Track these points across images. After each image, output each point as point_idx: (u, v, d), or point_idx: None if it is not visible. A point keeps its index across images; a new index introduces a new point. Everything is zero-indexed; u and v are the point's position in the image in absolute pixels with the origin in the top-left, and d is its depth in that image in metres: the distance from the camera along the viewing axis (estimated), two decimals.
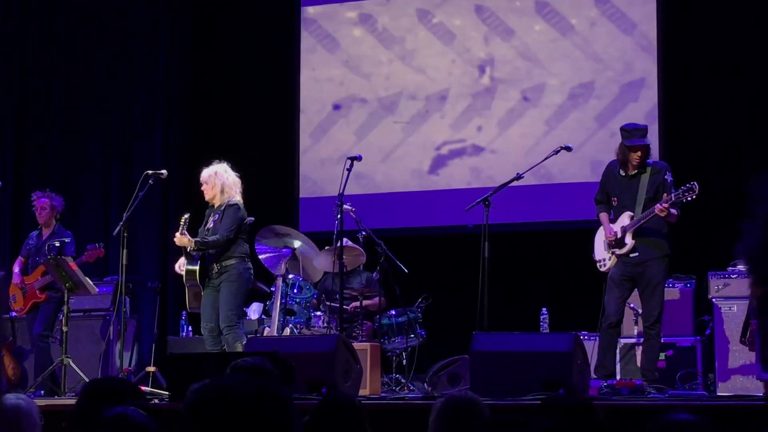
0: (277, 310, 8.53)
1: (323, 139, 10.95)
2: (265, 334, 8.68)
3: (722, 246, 8.61)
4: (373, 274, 9.29)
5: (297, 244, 8.87)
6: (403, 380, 8.52)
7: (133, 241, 9.92)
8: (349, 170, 8.13)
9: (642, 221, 7.46)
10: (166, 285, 10.92)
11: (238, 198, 8.11)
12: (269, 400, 2.14)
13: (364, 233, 9.08)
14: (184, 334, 10.15)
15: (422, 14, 10.73)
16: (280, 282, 8.62)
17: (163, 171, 8.66)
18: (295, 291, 8.81)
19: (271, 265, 8.75)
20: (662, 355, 8.08)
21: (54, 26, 11.73)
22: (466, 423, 3.80)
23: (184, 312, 10.27)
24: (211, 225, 8.09)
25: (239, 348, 7.60)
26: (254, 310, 9.58)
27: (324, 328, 8.74)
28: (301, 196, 10.94)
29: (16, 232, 11.23)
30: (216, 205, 8.14)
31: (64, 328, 8.53)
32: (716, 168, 9.26)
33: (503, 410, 5.76)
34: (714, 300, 8.23)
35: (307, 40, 11.09)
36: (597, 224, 7.82)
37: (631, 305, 8.23)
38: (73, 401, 4.30)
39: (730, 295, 8.17)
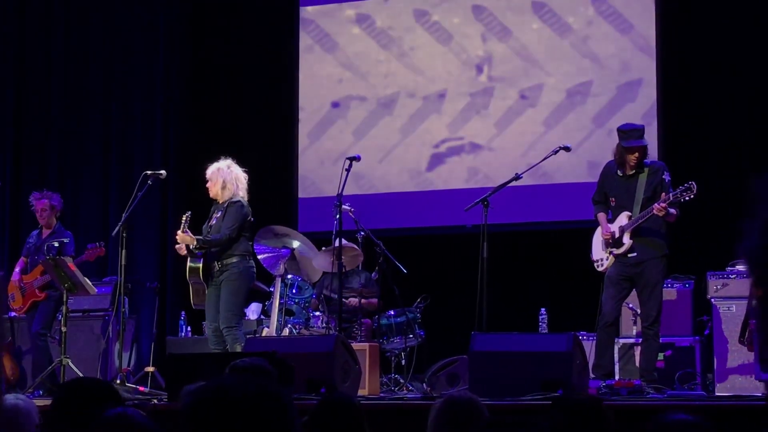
0: (276, 310, 8.53)
1: (322, 139, 10.95)
2: (263, 335, 8.67)
3: (721, 246, 8.62)
4: (372, 275, 9.29)
5: (296, 244, 8.87)
6: (402, 380, 8.52)
7: (132, 242, 9.93)
8: (347, 170, 8.13)
9: (640, 221, 7.46)
10: (165, 285, 10.93)
11: (242, 194, 8.06)
12: (268, 401, 2.14)
13: (362, 233, 9.08)
14: (182, 334, 10.15)
15: (420, 14, 10.73)
16: (278, 282, 8.62)
17: (162, 171, 8.66)
18: (294, 291, 8.81)
19: (269, 265, 8.75)
20: (661, 355, 8.09)
21: (53, 26, 11.73)
22: (464, 423, 3.80)
23: (183, 312, 10.28)
24: (214, 222, 8.08)
25: (238, 349, 7.59)
26: (253, 311, 9.58)
27: (323, 328, 8.74)
28: (299, 196, 10.94)
29: (15, 231, 11.23)
30: (220, 202, 8.10)
31: (63, 329, 8.52)
32: (715, 168, 9.26)
33: (502, 410, 5.77)
34: (713, 300, 8.24)
35: (305, 40, 11.09)
36: (595, 224, 7.83)
37: (630, 305, 8.24)
38: None
39: (729, 295, 8.17)
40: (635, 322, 8.38)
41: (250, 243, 8.15)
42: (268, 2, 11.40)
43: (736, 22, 9.56)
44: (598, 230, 7.78)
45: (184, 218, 7.90)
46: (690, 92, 9.74)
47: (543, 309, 9.00)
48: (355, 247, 8.98)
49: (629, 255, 7.54)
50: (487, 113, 10.45)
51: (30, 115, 11.72)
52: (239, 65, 11.28)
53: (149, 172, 8.52)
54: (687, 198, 7.31)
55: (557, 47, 10.25)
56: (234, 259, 7.95)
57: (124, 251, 8.35)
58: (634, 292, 7.74)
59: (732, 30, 9.56)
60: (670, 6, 9.92)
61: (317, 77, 11.03)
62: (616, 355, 8.21)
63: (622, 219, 7.59)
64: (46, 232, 9.29)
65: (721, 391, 7.92)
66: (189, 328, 10.17)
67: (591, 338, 8.24)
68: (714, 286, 8.25)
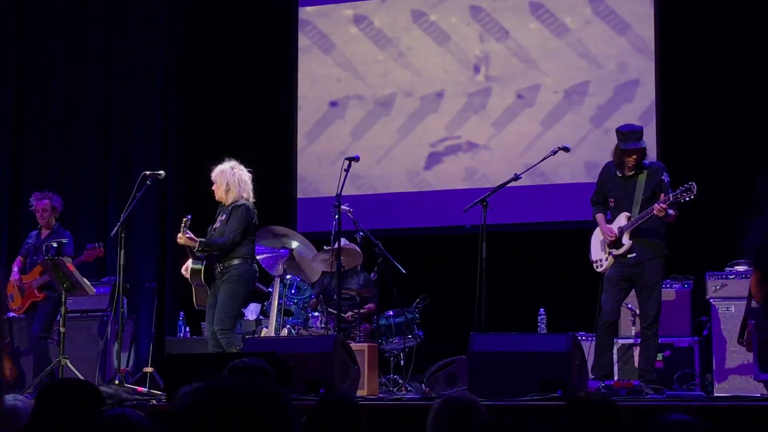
0: (275, 310, 8.53)
1: (320, 139, 10.95)
2: (262, 335, 8.67)
3: (720, 247, 8.64)
4: (371, 275, 9.29)
5: (294, 244, 8.87)
6: (400, 381, 8.52)
7: (130, 242, 9.92)
8: (346, 171, 8.12)
9: (639, 222, 7.46)
10: (164, 285, 10.93)
11: (246, 196, 8.00)
12: (268, 401, 2.14)
13: (361, 234, 9.08)
14: (181, 334, 10.15)
15: (417, 14, 10.74)
16: (277, 282, 8.62)
17: (161, 171, 8.65)
18: (293, 291, 8.81)
19: (268, 265, 8.75)
20: (660, 356, 8.09)
21: (53, 26, 11.72)
22: (463, 424, 3.79)
23: (181, 312, 10.28)
24: (218, 225, 8.04)
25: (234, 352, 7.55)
26: (252, 311, 9.58)
27: (322, 328, 8.74)
28: (298, 196, 10.94)
29: (14, 231, 11.22)
30: (225, 205, 8.06)
31: (62, 329, 8.52)
32: (714, 168, 9.26)
33: (501, 411, 5.77)
34: (712, 300, 8.24)
35: (303, 41, 11.09)
36: (594, 225, 7.83)
37: (629, 306, 8.24)
38: None
39: (728, 295, 8.18)
40: (634, 323, 8.38)
41: (253, 246, 8.09)
42: (268, 3, 11.40)
43: (735, 21, 9.57)
44: (597, 231, 7.78)
45: (184, 221, 7.86)
46: (689, 92, 9.75)
47: (542, 309, 9.01)
48: (354, 246, 8.98)
49: (629, 255, 7.54)
50: (484, 113, 10.45)
51: (29, 115, 11.71)
52: (238, 66, 11.28)
53: (148, 172, 8.51)
54: (687, 198, 7.31)
55: (554, 47, 10.25)
56: (235, 262, 7.91)
57: (122, 251, 8.34)
58: (633, 293, 7.74)
59: (731, 30, 9.57)
60: (669, 6, 9.92)
61: (315, 77, 11.03)
62: (615, 356, 8.21)
63: (621, 220, 7.59)
64: (45, 233, 9.29)
65: (720, 391, 7.92)
66: (188, 329, 10.16)
67: (590, 339, 8.24)
68: (713, 286, 8.26)
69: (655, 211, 7.33)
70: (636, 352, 8.12)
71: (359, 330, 8.83)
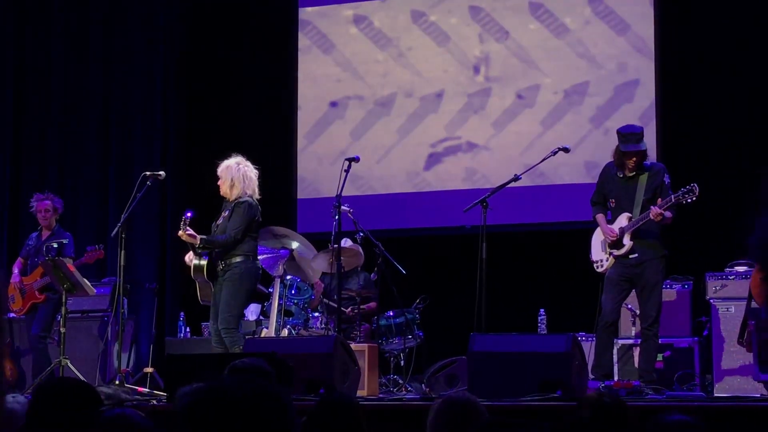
0: (275, 311, 8.52)
1: (320, 140, 10.96)
2: (262, 335, 8.67)
3: (720, 247, 8.64)
4: (371, 276, 9.30)
5: (295, 245, 8.87)
6: (401, 381, 8.52)
7: (131, 242, 9.92)
8: (346, 171, 8.12)
9: (640, 223, 7.46)
10: (164, 286, 10.93)
11: (250, 192, 7.95)
12: (268, 401, 2.15)
13: (361, 234, 9.08)
14: (181, 335, 10.15)
15: (417, 15, 10.74)
16: (277, 283, 8.62)
17: (161, 172, 8.65)
18: (293, 292, 8.80)
19: (268, 266, 8.74)
20: (660, 356, 8.09)
21: (52, 26, 11.73)
22: (463, 424, 3.80)
23: (182, 313, 10.28)
24: (221, 221, 8.02)
25: (237, 351, 7.55)
26: (252, 311, 9.58)
27: (322, 329, 8.74)
28: (298, 197, 10.94)
29: (14, 232, 11.23)
30: (229, 200, 8.01)
31: (62, 329, 8.52)
32: (714, 168, 9.25)
33: (501, 411, 5.77)
34: (711, 301, 8.24)
35: (303, 41, 11.09)
36: (594, 225, 7.83)
37: (629, 306, 8.24)
38: None
39: (728, 296, 8.18)
40: (634, 323, 8.38)
41: (256, 243, 8.06)
42: (268, 3, 11.40)
43: (735, 21, 9.57)
44: (597, 231, 7.78)
45: (183, 219, 7.84)
46: (689, 92, 9.75)
47: (542, 310, 9.01)
48: (359, 248, 8.98)
49: (630, 256, 7.54)
50: (484, 114, 10.45)
51: (29, 115, 11.72)
52: (238, 66, 11.28)
53: (148, 172, 8.51)
54: (689, 200, 7.31)
55: (554, 48, 10.26)
56: (237, 259, 7.88)
57: (123, 252, 8.33)
58: (633, 293, 7.74)
59: (731, 29, 9.57)
60: (668, 5, 9.92)
61: (315, 78, 11.03)
62: (615, 356, 8.21)
63: (622, 220, 7.59)
64: (45, 234, 9.30)
65: (720, 391, 7.92)
66: (188, 329, 10.17)
67: (590, 339, 8.24)
68: (713, 287, 8.26)
69: (651, 216, 7.33)
70: (636, 352, 8.12)
71: (359, 330, 8.83)
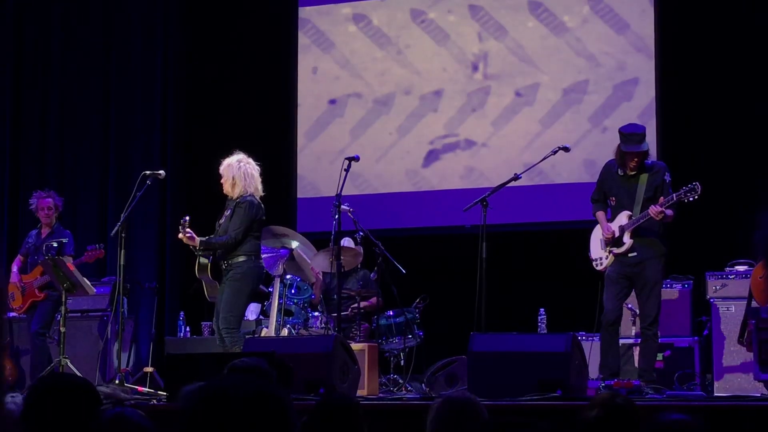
0: (275, 310, 8.52)
1: (319, 139, 10.95)
2: (262, 335, 8.67)
3: (720, 246, 8.64)
4: (371, 275, 9.29)
5: (294, 244, 8.86)
6: (400, 381, 8.52)
7: (130, 242, 9.92)
8: (346, 171, 8.11)
9: (640, 221, 7.45)
10: (164, 285, 10.92)
11: (252, 191, 7.90)
12: (268, 401, 2.14)
13: (361, 234, 9.08)
14: (181, 334, 10.14)
15: (416, 13, 10.74)
16: (277, 282, 8.61)
17: (161, 171, 8.64)
18: (293, 291, 8.80)
19: (268, 265, 8.73)
20: (660, 356, 8.08)
21: (51, 25, 11.73)
22: (463, 423, 3.80)
23: (181, 312, 10.28)
24: (223, 221, 7.99)
25: (237, 351, 7.53)
26: (252, 311, 9.57)
27: (322, 328, 8.74)
28: (298, 196, 10.94)
29: (13, 231, 11.22)
30: (232, 198, 7.95)
31: (62, 329, 8.52)
32: (714, 167, 9.23)
33: (501, 411, 5.76)
34: (712, 300, 8.24)
35: (302, 39, 11.09)
36: (593, 224, 7.82)
37: (629, 306, 8.23)
38: None
39: (728, 295, 8.18)
40: (634, 323, 8.37)
41: (258, 242, 8.02)
42: (267, 2, 11.40)
43: (735, 18, 9.55)
44: (597, 229, 7.77)
45: (182, 222, 7.81)
46: (688, 91, 9.73)
47: (542, 309, 9.00)
48: (360, 249, 8.97)
49: (630, 255, 7.53)
50: (483, 112, 10.45)
51: (29, 115, 11.71)
52: (237, 65, 11.28)
53: (148, 172, 8.50)
54: (691, 199, 7.30)
55: (553, 46, 10.26)
56: (240, 259, 7.84)
57: (122, 251, 8.33)
58: (633, 293, 7.73)
59: (731, 27, 9.56)
60: (668, 3, 9.92)
61: (315, 77, 11.03)
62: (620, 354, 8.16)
63: (622, 219, 7.58)
64: (45, 232, 9.31)
65: (720, 391, 7.92)
66: (188, 329, 10.16)
67: (590, 338, 8.24)
68: (713, 286, 8.26)
69: (651, 214, 7.32)
70: (636, 352, 8.12)
71: (359, 330, 8.83)
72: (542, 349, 6.65)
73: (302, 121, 11.03)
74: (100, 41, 11.63)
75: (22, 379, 9.41)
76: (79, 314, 9.75)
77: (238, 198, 7.88)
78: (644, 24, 9.97)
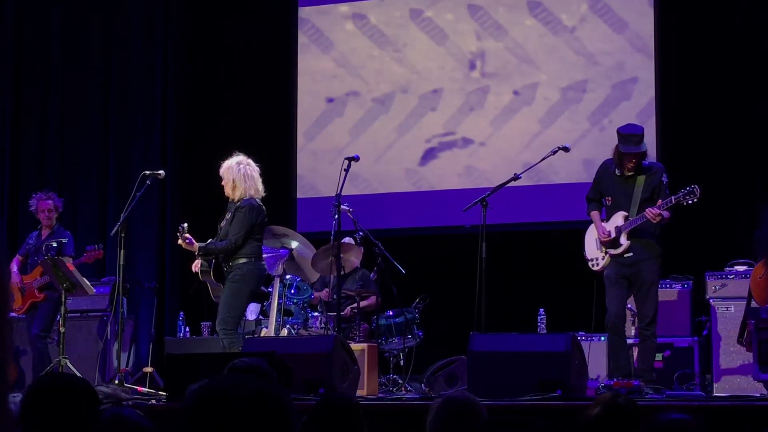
0: (275, 310, 8.52)
1: (320, 139, 10.96)
2: (262, 335, 8.67)
3: (720, 246, 8.64)
4: (371, 275, 9.29)
5: (294, 244, 8.87)
6: (400, 381, 8.52)
7: (130, 242, 9.92)
8: (346, 171, 8.11)
9: (638, 223, 7.44)
10: (164, 285, 10.92)
11: (253, 192, 7.87)
12: (268, 401, 2.14)
13: (361, 234, 9.08)
14: (181, 334, 10.14)
15: (415, 13, 10.75)
16: (277, 282, 8.61)
17: (161, 171, 8.63)
18: (293, 292, 8.80)
19: (268, 265, 8.74)
20: (659, 356, 8.08)
21: (51, 25, 11.72)
22: (463, 423, 3.80)
23: (181, 312, 10.28)
24: (224, 224, 7.97)
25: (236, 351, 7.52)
26: (251, 311, 9.57)
27: (321, 328, 8.74)
28: (298, 196, 10.94)
29: (13, 231, 11.21)
30: (234, 201, 7.91)
31: (62, 329, 8.52)
32: (714, 167, 9.23)
33: (501, 411, 5.77)
34: (711, 300, 8.24)
35: (301, 39, 11.10)
36: (592, 224, 7.81)
37: (629, 306, 8.23)
38: None
39: (728, 295, 8.18)
40: (634, 323, 8.36)
41: (259, 244, 7.99)
42: (267, 2, 11.40)
43: (735, 19, 9.55)
44: (591, 228, 7.76)
45: (180, 229, 7.79)
46: (688, 90, 9.73)
47: (542, 309, 9.00)
48: (361, 248, 8.97)
49: (626, 255, 7.52)
50: (482, 112, 10.46)
51: (28, 114, 11.71)
52: (237, 65, 11.28)
53: (148, 172, 8.49)
54: (690, 202, 7.29)
55: (552, 45, 10.26)
56: (241, 261, 7.82)
57: (122, 251, 8.33)
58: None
59: (730, 25, 9.55)
60: (668, 3, 9.91)
61: (314, 76, 11.03)
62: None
63: (618, 219, 7.57)
64: (45, 233, 9.32)
65: (720, 391, 7.92)
66: (187, 329, 10.16)
67: (590, 339, 8.24)
68: (712, 286, 8.25)
69: (648, 217, 7.31)
70: (635, 352, 8.11)
71: (359, 330, 8.83)
72: (542, 349, 6.66)
73: (302, 121, 11.03)
74: (100, 41, 11.63)
75: (22, 379, 9.40)
76: (78, 314, 9.75)
77: (238, 201, 7.86)
78: (643, 23, 9.97)
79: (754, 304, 7.59)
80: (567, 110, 10.18)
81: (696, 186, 7.26)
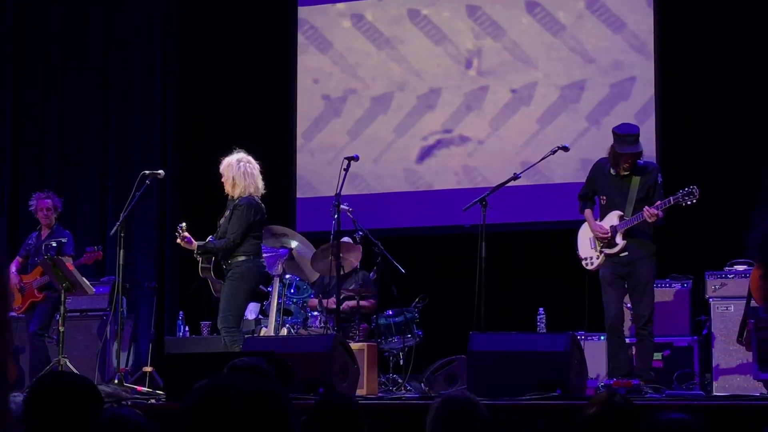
0: (274, 310, 8.53)
1: (319, 139, 10.95)
2: (262, 334, 8.67)
3: (719, 246, 8.63)
4: (370, 275, 9.29)
5: (294, 244, 8.87)
6: (400, 380, 8.52)
7: (130, 241, 9.92)
8: (346, 170, 8.11)
9: (634, 223, 7.44)
10: (163, 285, 10.92)
11: (252, 190, 7.87)
12: (267, 400, 2.14)
13: (360, 233, 9.08)
14: (180, 334, 10.14)
15: (414, 13, 10.74)
16: (276, 282, 8.62)
17: (160, 171, 8.64)
18: (292, 291, 8.80)
19: (268, 265, 8.74)
20: (659, 355, 8.08)
21: (51, 25, 11.72)
22: (463, 423, 3.80)
23: (181, 312, 10.28)
24: (222, 221, 7.97)
25: (236, 350, 7.53)
26: (251, 311, 9.57)
27: (321, 328, 8.74)
28: (297, 196, 10.94)
29: (13, 231, 11.21)
30: (232, 198, 7.91)
31: (61, 328, 8.53)
32: (713, 166, 9.22)
33: (500, 410, 5.77)
34: (711, 300, 8.23)
35: (301, 39, 11.10)
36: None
37: (628, 305, 8.23)
38: None
39: (727, 295, 8.17)
40: (633, 322, 8.37)
41: (259, 242, 7.98)
42: (267, 2, 11.40)
43: (734, 18, 9.54)
44: (584, 227, 7.76)
45: (178, 229, 7.79)
46: (687, 89, 9.72)
47: (541, 309, 8.99)
48: (359, 247, 8.97)
49: (621, 254, 7.52)
50: (481, 111, 10.45)
51: (28, 114, 11.71)
52: (237, 65, 11.28)
53: (147, 171, 8.50)
54: (689, 202, 7.29)
55: (550, 45, 10.26)
56: (240, 259, 7.83)
57: (122, 251, 8.33)
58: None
59: (730, 24, 9.54)
60: (666, 2, 9.91)
61: (313, 76, 11.03)
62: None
63: (613, 218, 7.56)
64: (45, 233, 9.32)
65: (719, 390, 7.92)
66: (187, 328, 10.16)
67: (589, 338, 8.24)
68: (712, 285, 8.25)
69: (645, 217, 7.30)
70: (634, 351, 8.11)
71: (358, 329, 8.83)
72: (542, 348, 6.66)
73: (301, 121, 11.03)
74: (100, 41, 11.62)
75: (21, 378, 9.40)
76: (78, 314, 9.75)
77: (238, 199, 7.86)
78: (641, 22, 9.97)
79: (753, 303, 7.60)
80: (565, 110, 10.18)
81: (695, 187, 7.26)
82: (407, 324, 8.87)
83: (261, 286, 8.90)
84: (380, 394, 7.83)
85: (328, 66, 11.00)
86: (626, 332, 8.39)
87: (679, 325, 8.47)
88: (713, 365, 8.09)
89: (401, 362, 8.84)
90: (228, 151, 8.06)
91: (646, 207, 7.33)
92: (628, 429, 3.46)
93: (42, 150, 11.63)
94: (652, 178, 7.53)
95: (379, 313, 8.86)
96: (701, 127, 9.59)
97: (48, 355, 8.96)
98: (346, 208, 8.54)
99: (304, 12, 11.12)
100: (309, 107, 11.02)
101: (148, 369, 9.18)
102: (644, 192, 7.49)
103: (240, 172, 7.84)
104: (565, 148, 7.97)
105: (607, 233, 7.52)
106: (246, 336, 8.03)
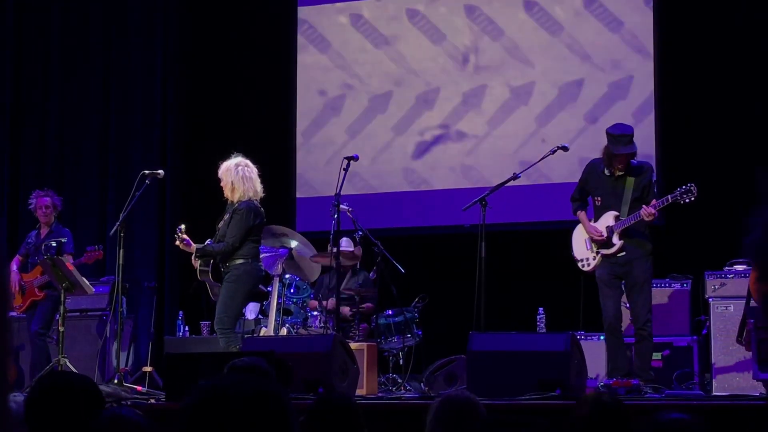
0: (274, 310, 8.53)
1: (319, 139, 10.96)
2: (261, 334, 8.67)
3: (719, 246, 8.63)
4: (370, 274, 9.30)
5: (294, 244, 8.87)
6: (399, 380, 8.52)
7: (129, 241, 9.93)
8: (345, 170, 8.11)
9: (631, 222, 7.44)
10: (163, 285, 10.92)
11: (251, 195, 7.87)
12: (267, 400, 2.14)
13: (360, 233, 9.08)
14: (180, 333, 10.15)
15: (412, 12, 10.75)
16: (276, 282, 8.62)
17: (160, 171, 8.64)
18: (292, 291, 8.81)
19: (267, 265, 8.74)
20: (659, 355, 8.08)
21: (51, 25, 11.72)
22: (462, 423, 3.80)
23: (180, 312, 10.28)
24: (221, 225, 7.97)
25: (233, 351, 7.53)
26: (251, 311, 9.58)
27: (321, 328, 8.74)
28: (297, 196, 10.94)
29: (13, 231, 11.21)
30: (232, 202, 7.92)
31: (61, 328, 8.53)
32: (713, 166, 9.22)
33: (500, 410, 5.78)
34: (710, 300, 8.23)
35: (300, 39, 11.10)
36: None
37: (627, 305, 8.23)
38: None
39: (727, 294, 8.17)
40: (632, 322, 8.37)
41: (257, 245, 7.98)
42: (267, 2, 11.41)
43: (734, 17, 9.54)
44: (578, 229, 7.76)
45: (177, 231, 7.79)
46: (686, 88, 9.72)
47: (541, 309, 9.00)
48: (359, 250, 8.97)
49: (619, 255, 7.52)
50: (480, 111, 10.46)
51: (28, 114, 11.71)
52: (237, 65, 11.28)
53: (147, 171, 8.50)
54: (687, 200, 7.29)
55: (548, 44, 10.26)
56: (238, 261, 7.83)
57: (121, 251, 8.33)
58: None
59: (729, 24, 9.54)
60: (666, 1, 9.91)
61: (312, 76, 11.03)
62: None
63: (609, 219, 7.56)
64: (44, 231, 9.32)
65: (719, 390, 7.91)
66: (187, 328, 10.17)
67: (589, 338, 8.23)
68: (712, 285, 8.25)
69: (643, 215, 7.30)
70: (633, 351, 8.11)
71: (358, 329, 8.83)
72: (541, 348, 6.66)
73: (300, 121, 11.03)
74: (100, 41, 11.63)
75: (21, 378, 9.41)
76: (78, 314, 9.75)
77: (237, 202, 7.87)
78: (639, 22, 9.98)
79: (753, 303, 7.59)
80: (563, 109, 10.18)
81: (692, 184, 7.26)
82: (407, 324, 8.88)
83: (261, 286, 8.91)
84: (380, 394, 7.83)
85: (327, 65, 11.00)
86: (630, 332, 8.42)
87: (679, 325, 8.48)
88: (713, 365, 8.09)
89: (401, 362, 8.84)
90: (228, 151, 8.06)
91: (644, 206, 7.34)
92: (619, 428, 3.46)
93: (42, 150, 11.63)
94: (647, 178, 7.54)
95: (378, 312, 8.86)
96: (700, 126, 9.59)
97: (49, 355, 8.96)
98: (346, 208, 8.54)
99: (303, 12, 11.13)
100: (309, 107, 11.02)
101: (148, 369, 9.18)
102: (639, 192, 7.50)
103: (238, 176, 7.85)
104: (565, 148, 7.97)
105: (603, 235, 7.52)
106: (246, 336, 8.03)
